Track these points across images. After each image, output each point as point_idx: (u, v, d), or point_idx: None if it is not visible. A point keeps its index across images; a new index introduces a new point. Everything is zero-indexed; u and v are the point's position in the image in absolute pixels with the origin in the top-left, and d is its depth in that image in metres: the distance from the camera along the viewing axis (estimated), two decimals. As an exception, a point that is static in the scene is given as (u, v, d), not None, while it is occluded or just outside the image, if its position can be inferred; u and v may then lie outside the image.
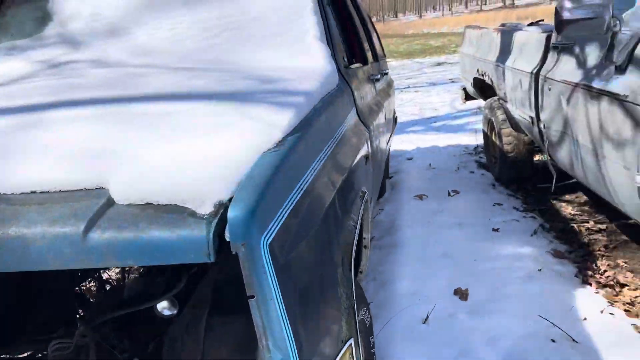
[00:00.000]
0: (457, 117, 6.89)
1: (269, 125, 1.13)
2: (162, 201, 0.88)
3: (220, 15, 2.08)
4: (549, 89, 2.77)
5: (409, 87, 10.49)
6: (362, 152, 1.86)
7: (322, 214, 1.15)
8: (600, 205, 3.44)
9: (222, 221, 0.84)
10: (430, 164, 4.78)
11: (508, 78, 3.50)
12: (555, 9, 2.24)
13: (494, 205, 3.65)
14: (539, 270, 2.65)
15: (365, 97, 2.40)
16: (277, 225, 0.90)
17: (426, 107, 7.84)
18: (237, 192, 0.88)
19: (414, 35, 32.70)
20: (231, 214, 0.83)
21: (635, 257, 2.77)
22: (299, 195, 1.04)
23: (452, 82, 10.52)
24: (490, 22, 33.46)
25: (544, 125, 2.96)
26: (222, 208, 0.86)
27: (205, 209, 0.85)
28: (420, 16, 68.14)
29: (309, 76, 1.67)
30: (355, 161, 1.67)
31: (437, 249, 2.99)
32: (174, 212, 0.86)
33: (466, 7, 71.89)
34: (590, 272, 2.65)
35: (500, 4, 60.90)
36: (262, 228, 0.86)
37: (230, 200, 0.87)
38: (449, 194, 3.92)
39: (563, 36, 2.56)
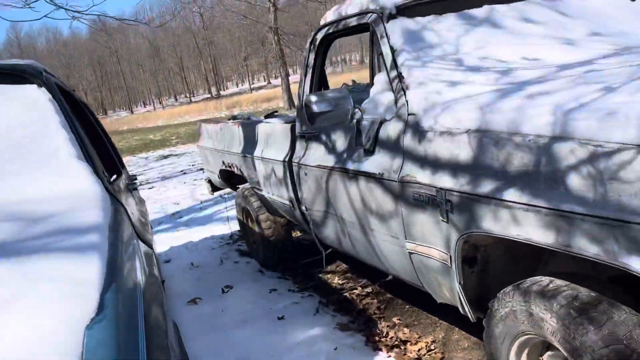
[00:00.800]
0: (203, 208, 6.84)
1: (77, 284, 0.86)
2: None
3: None
4: (305, 174, 2.95)
5: (141, 184, 10.07)
6: (153, 279, 1.61)
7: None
8: (359, 269, 3.76)
9: None
10: (192, 263, 4.56)
11: (259, 167, 3.63)
12: (305, 103, 2.42)
13: (270, 292, 3.65)
14: (335, 349, 2.70)
15: (134, 211, 2.15)
16: None
17: (167, 203, 7.60)
18: None
19: (130, 130, 32.12)
20: None
21: (405, 312, 3.08)
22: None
23: (184, 173, 10.53)
24: (204, 112, 35.28)
25: (305, 208, 3.12)
26: None
27: None
28: (132, 112, 67.74)
29: (82, 203, 1.39)
30: (155, 298, 1.43)
31: (231, 355, 2.79)
32: None
33: (176, 99, 74.57)
34: (376, 338, 2.81)
35: (207, 95, 65.11)
36: None
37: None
38: (223, 291, 3.77)
39: (314, 126, 2.78)
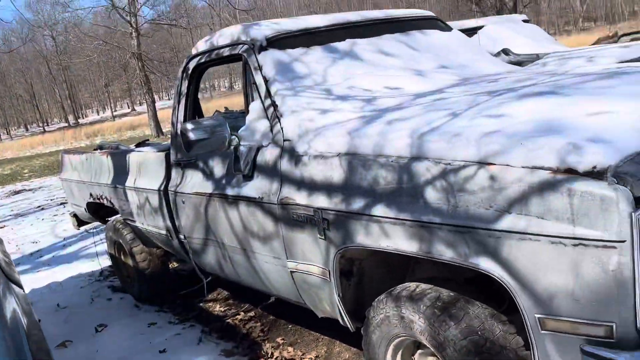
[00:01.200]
0: (66, 245, 6.35)
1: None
2: None
3: None
4: (183, 202, 2.93)
5: (-10, 223, 9.05)
6: (32, 320, 1.52)
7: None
8: (241, 295, 3.78)
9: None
10: (58, 304, 4.22)
11: (132, 198, 3.51)
12: (181, 131, 2.43)
13: (148, 326, 3.51)
14: (222, 375, 2.69)
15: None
16: None
17: (24, 242, 6.93)
18: None
19: (-29, 165, 28.64)
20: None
21: (288, 332, 3.16)
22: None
23: (42, 209, 9.67)
24: (61, 142, 32.59)
25: (184, 236, 3.08)
26: None
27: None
28: (-28, 143, 60.40)
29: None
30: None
31: (110, 396, 2.65)
32: None
33: (27, 129, 68.07)
34: (262, 359, 2.86)
35: (64, 124, 60.40)
36: None
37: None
38: (97, 330, 3.55)
39: (189, 154, 2.78)
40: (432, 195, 1.64)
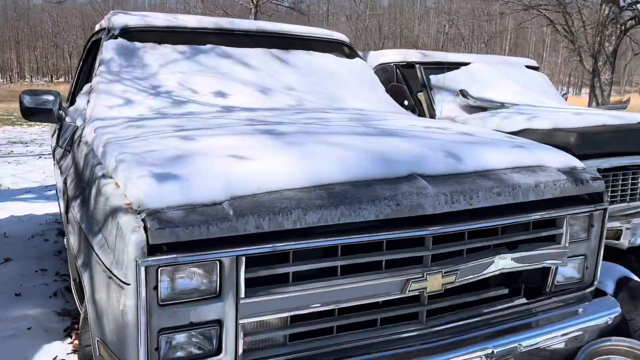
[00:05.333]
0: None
1: None
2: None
3: None
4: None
5: None
6: None
7: None
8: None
9: None
10: (5, 233, 4.67)
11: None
12: (19, 97, 2.62)
13: (36, 271, 3.80)
14: (28, 329, 2.88)
15: None
16: None
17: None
18: None
19: None
20: None
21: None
22: None
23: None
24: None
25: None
26: None
27: None
28: None
29: None
30: None
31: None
32: None
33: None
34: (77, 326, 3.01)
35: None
36: None
37: None
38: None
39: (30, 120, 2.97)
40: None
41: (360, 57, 3.21)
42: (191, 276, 1.35)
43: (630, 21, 11.36)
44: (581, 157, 3.18)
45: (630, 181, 3.34)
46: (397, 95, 3.59)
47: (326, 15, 58.60)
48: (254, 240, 1.39)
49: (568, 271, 1.99)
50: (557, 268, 1.91)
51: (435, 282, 1.61)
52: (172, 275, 1.32)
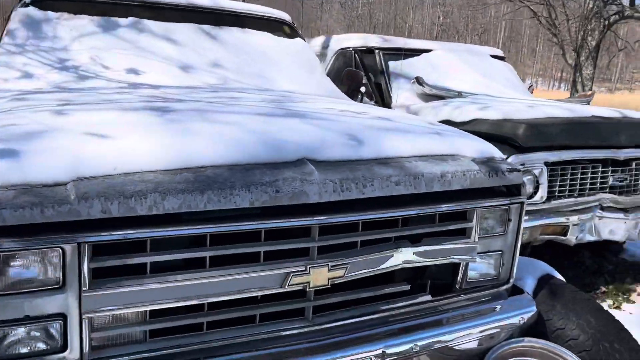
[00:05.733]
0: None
1: None
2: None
3: None
4: None
5: None
6: None
7: None
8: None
9: None
10: None
11: None
12: None
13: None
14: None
15: None
16: None
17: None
18: None
19: None
20: None
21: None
22: None
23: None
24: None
25: None
26: None
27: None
28: None
29: None
30: None
31: None
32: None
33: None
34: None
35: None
36: None
37: None
38: None
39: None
40: None
41: (302, 38, 3.06)
42: (27, 265, 1.22)
43: (614, 16, 11.25)
44: (529, 149, 3.11)
45: (579, 176, 3.23)
46: (352, 80, 3.45)
47: (320, 2, 58.19)
48: (102, 227, 1.25)
49: (482, 267, 1.87)
50: (467, 264, 1.79)
51: (319, 276, 1.49)
52: (2, 262, 1.19)
